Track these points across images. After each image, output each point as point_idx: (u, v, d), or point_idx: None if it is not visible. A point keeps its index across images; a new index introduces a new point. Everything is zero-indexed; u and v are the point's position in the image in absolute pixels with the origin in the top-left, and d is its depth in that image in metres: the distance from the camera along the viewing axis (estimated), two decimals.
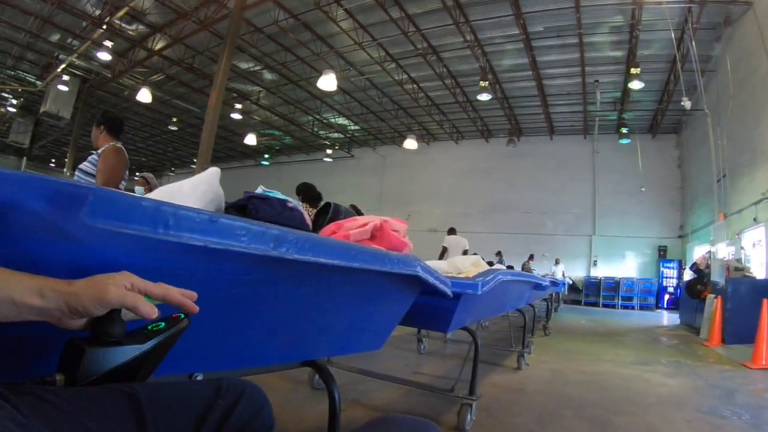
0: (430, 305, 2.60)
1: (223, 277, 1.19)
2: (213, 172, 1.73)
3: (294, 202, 1.91)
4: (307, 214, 6.09)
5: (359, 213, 2.68)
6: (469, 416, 3.26)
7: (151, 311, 0.85)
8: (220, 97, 14.17)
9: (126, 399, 0.87)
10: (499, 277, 3.11)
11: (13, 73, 21.43)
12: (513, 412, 3.83)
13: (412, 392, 4.11)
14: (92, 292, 0.80)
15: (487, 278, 2.87)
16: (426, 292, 2.21)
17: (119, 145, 4.32)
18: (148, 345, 0.91)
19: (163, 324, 0.94)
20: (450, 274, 3.09)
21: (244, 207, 1.72)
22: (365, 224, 2.04)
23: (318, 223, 2.27)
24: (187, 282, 0.95)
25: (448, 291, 2.28)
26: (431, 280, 2.03)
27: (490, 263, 6.06)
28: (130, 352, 0.89)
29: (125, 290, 0.83)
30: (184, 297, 0.92)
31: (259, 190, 1.93)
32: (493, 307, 4.40)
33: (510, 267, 10.24)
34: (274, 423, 1.07)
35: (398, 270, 1.74)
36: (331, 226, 2.11)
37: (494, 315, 6.43)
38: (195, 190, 1.64)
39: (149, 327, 0.94)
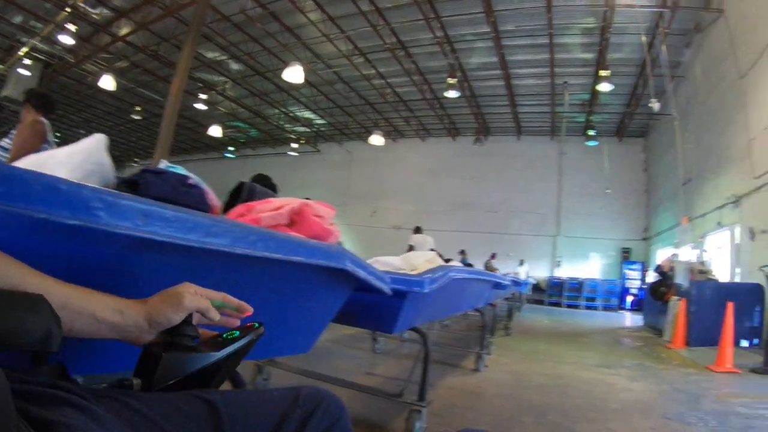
0: (374, 304, 2.40)
1: (89, 263, 0.98)
2: (97, 139, 1.50)
3: (196, 179, 1.66)
4: None
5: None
6: (418, 423, 3.02)
7: (216, 315, 0.95)
8: (182, 85, 13.78)
9: (204, 405, 0.88)
10: (450, 274, 2.88)
11: None
12: (468, 419, 3.63)
13: (360, 396, 3.84)
14: (170, 301, 0.89)
15: (436, 275, 2.63)
16: (364, 288, 1.98)
17: (40, 118, 4.17)
18: (223, 352, 0.95)
19: (237, 333, 1.00)
20: (403, 270, 2.83)
21: (136, 182, 1.47)
22: (280, 207, 1.75)
23: (230, 206, 1.94)
24: (47, 271, 0.79)
25: (386, 288, 2.07)
26: (363, 275, 1.80)
27: (448, 260, 5.83)
28: (206, 358, 0.93)
29: (196, 296, 0.92)
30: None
31: (162, 164, 1.70)
32: (446, 306, 4.09)
33: (469, 265, 10.04)
34: None
35: (319, 262, 1.52)
36: (240, 208, 1.79)
37: (449, 315, 6.20)
38: (71, 158, 1.43)
39: (224, 335, 1.00)
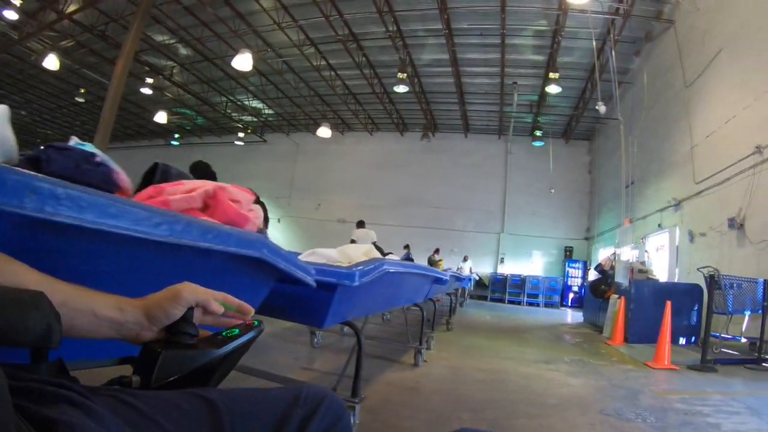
0: (303, 296, 2.28)
1: None
2: None
3: (103, 156, 1.54)
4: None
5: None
6: (351, 419, 2.93)
7: (219, 308, 0.95)
8: (127, 66, 13.48)
9: (203, 403, 0.87)
10: (384, 267, 2.80)
11: None
12: (404, 416, 3.60)
13: None
14: (168, 295, 0.90)
15: (368, 268, 2.55)
16: (289, 280, 1.88)
17: None
18: (223, 350, 0.94)
19: (237, 331, 1.00)
20: (339, 263, 2.76)
21: (38, 159, 1.37)
22: (193, 190, 1.61)
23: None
24: None
25: (309, 280, 1.97)
26: (283, 265, 1.70)
27: (387, 254, 5.78)
28: (205, 356, 0.92)
29: (196, 291, 0.93)
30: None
31: (72, 142, 1.56)
32: (382, 300, 3.98)
33: (410, 259, 10.03)
34: None
35: (233, 249, 1.41)
36: (149, 190, 1.60)
37: (385, 309, 6.11)
38: None
39: (223, 333, 0.99)
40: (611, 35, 13.79)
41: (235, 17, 16.52)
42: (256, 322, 1.02)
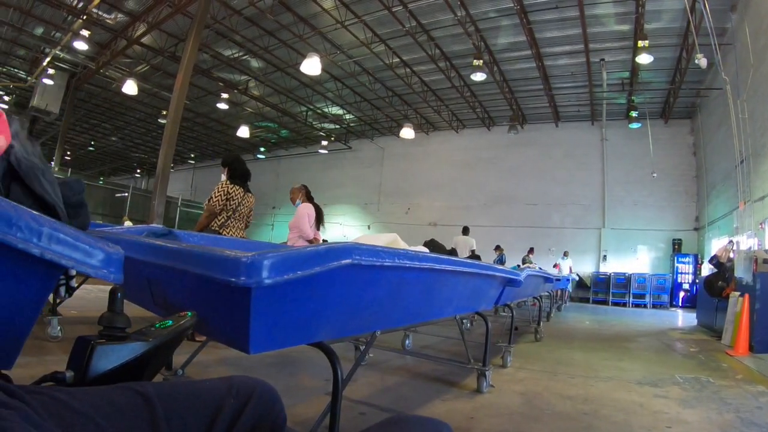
0: (221, 301, 1.65)
1: None
2: None
3: None
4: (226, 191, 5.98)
5: None
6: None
7: None
8: (186, 82, 13.57)
9: (138, 397, 0.86)
10: (339, 255, 1.72)
11: (3, 69, 21.72)
12: None
13: None
14: None
15: (283, 255, 1.56)
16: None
17: None
18: (155, 341, 0.99)
19: (170, 322, 1.05)
20: None
21: None
22: None
23: None
24: None
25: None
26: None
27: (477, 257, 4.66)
28: (137, 348, 0.96)
29: None
30: None
31: None
32: (382, 309, 2.37)
33: (477, 257, 8.77)
34: (286, 421, 1.07)
35: None
36: None
37: (403, 324, 4.45)
38: None
39: (156, 325, 1.04)
40: None
41: (297, 22, 16.30)
42: (189, 314, 1.06)
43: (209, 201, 5.84)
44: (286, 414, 1.07)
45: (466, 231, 13.61)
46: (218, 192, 5.84)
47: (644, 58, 13.99)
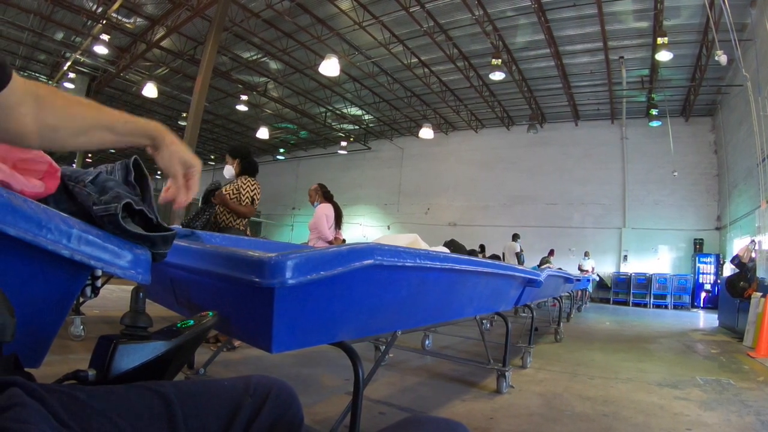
0: (245, 301, 1.76)
1: None
2: None
3: None
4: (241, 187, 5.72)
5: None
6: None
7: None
8: (206, 81, 13.50)
9: (156, 397, 0.86)
10: (362, 256, 1.78)
11: (24, 73, 21.42)
12: None
13: None
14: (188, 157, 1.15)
15: (309, 255, 1.63)
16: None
17: None
18: (176, 341, 0.99)
19: (191, 322, 1.06)
20: None
21: None
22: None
23: None
24: None
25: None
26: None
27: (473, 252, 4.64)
28: (159, 347, 0.96)
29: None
30: None
31: None
32: (402, 309, 2.42)
33: (495, 257, 8.76)
34: (303, 420, 1.06)
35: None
36: None
37: (421, 324, 4.42)
38: None
39: (178, 325, 1.05)
40: None
41: (315, 24, 16.33)
42: (210, 313, 1.07)
43: (252, 203, 5.66)
44: (304, 413, 1.05)
45: (515, 237, 13.77)
46: (252, 191, 5.66)
47: (664, 56, 13.86)
